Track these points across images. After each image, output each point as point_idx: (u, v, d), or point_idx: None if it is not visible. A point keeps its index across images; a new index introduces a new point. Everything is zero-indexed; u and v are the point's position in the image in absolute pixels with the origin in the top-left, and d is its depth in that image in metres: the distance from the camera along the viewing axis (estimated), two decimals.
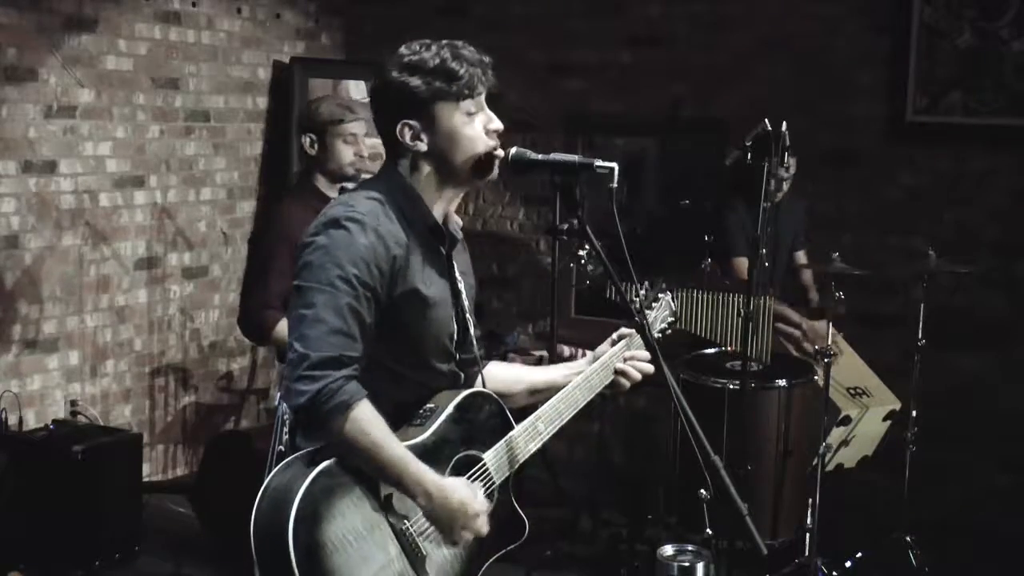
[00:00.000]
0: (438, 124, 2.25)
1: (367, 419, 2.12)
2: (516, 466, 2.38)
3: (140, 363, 5.50)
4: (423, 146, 2.26)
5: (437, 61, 2.24)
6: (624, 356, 2.51)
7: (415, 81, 2.23)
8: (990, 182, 5.13)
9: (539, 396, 2.57)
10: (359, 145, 3.77)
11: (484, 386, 2.43)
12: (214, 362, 5.91)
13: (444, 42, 2.28)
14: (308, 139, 3.74)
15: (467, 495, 2.22)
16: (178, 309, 5.69)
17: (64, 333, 5.10)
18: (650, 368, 2.49)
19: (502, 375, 2.56)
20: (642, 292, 2.63)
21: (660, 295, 2.71)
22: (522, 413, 2.51)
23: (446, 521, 2.20)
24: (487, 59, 2.29)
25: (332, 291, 2.13)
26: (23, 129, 4.85)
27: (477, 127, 2.27)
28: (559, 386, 2.51)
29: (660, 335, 2.67)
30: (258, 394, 6.06)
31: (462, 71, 2.24)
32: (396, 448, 2.15)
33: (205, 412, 5.85)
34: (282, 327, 3.58)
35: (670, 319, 2.72)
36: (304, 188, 3.80)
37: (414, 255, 2.24)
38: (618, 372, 2.51)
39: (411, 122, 2.25)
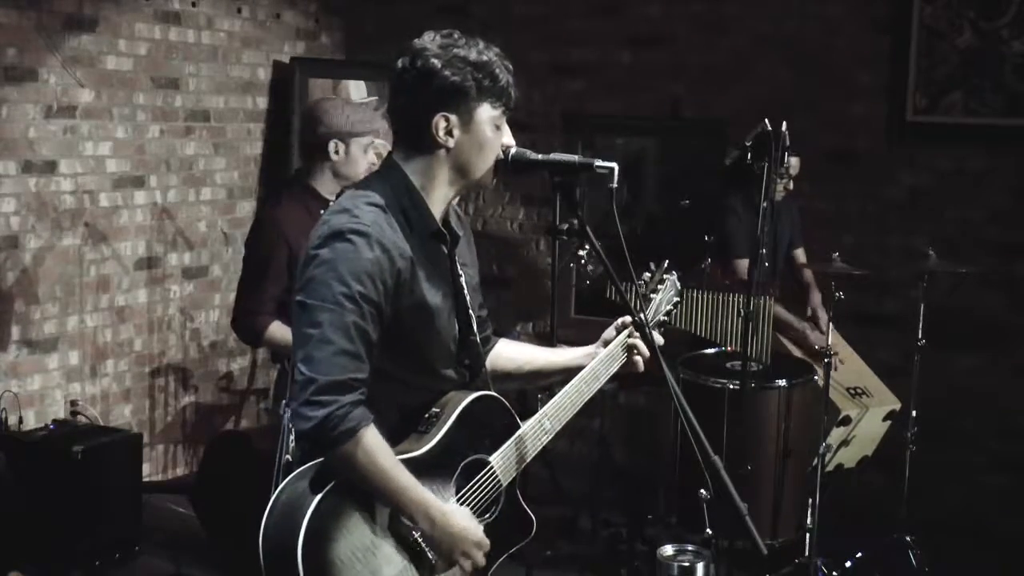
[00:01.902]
0: (473, 124, 2.20)
1: (373, 446, 2.10)
2: (523, 465, 2.37)
3: (140, 363, 5.50)
4: (451, 142, 2.21)
5: (485, 59, 2.19)
6: (630, 333, 2.50)
7: (467, 75, 2.17)
8: (990, 182, 5.13)
9: (546, 380, 2.57)
10: (371, 154, 3.78)
11: (488, 372, 2.41)
12: (214, 362, 5.91)
13: (479, 40, 2.23)
14: (335, 144, 3.71)
15: (469, 523, 2.22)
16: (178, 309, 5.69)
17: (64, 333, 5.10)
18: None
19: (511, 355, 2.56)
20: (647, 275, 2.63)
21: (665, 276, 2.68)
22: (525, 395, 2.50)
23: (447, 547, 2.19)
24: (512, 72, 2.25)
25: (338, 309, 2.08)
26: (23, 129, 4.85)
27: (498, 139, 2.25)
28: (565, 368, 2.51)
29: (667, 317, 2.66)
30: (258, 394, 6.06)
31: (503, 79, 2.21)
32: (400, 475, 2.13)
33: (205, 412, 5.85)
34: (274, 329, 3.58)
35: (675, 299, 2.70)
36: (299, 189, 3.79)
37: (418, 265, 2.19)
38: (629, 347, 2.49)
39: (451, 116, 2.19)
